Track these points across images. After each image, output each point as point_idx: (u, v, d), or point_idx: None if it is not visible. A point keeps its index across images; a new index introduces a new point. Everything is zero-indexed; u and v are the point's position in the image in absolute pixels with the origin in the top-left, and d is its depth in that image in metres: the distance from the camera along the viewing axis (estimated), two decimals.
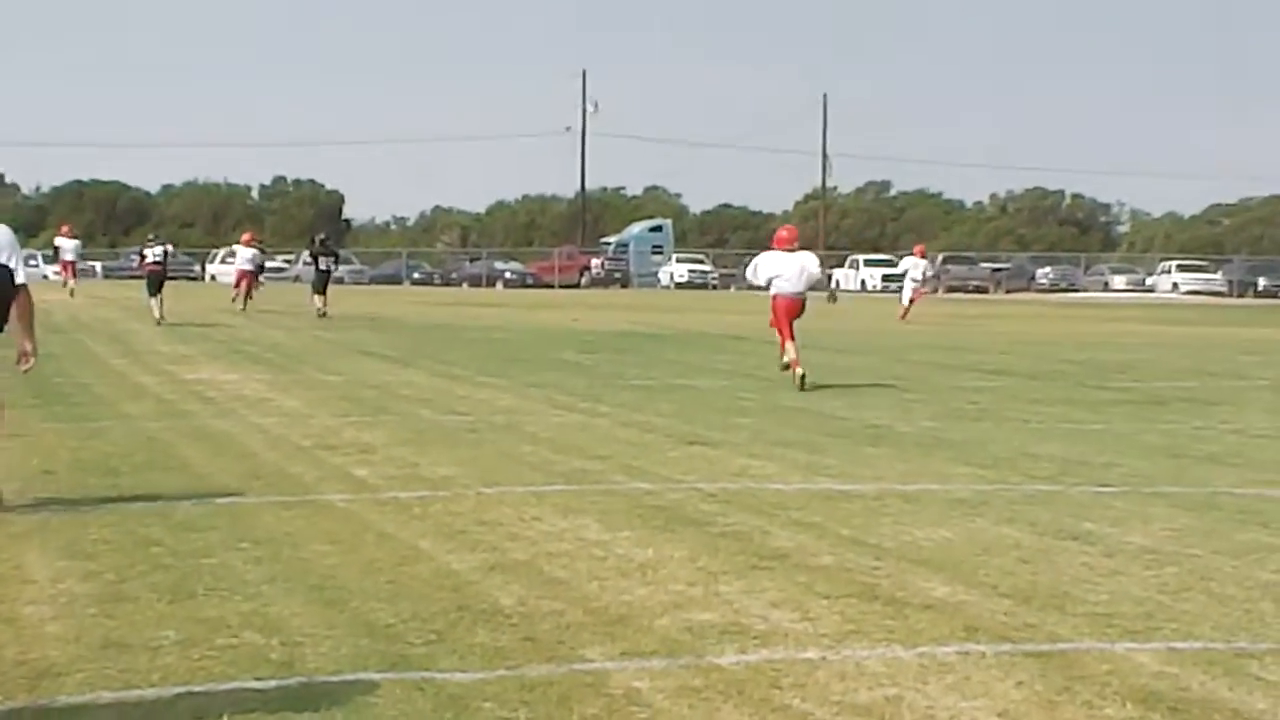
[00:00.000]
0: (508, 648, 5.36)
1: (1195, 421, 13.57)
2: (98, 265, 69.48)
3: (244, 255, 34.59)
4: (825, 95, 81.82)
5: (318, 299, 30.52)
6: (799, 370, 16.05)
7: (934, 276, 53.23)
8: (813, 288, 18.03)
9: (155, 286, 27.02)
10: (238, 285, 33.54)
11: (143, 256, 28.98)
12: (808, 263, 17.06)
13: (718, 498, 8.73)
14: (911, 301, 35.18)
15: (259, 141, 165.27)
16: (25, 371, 7.87)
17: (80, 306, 32.46)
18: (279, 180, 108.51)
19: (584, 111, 79.62)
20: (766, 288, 16.95)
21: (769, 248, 17.31)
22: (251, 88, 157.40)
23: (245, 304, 32.05)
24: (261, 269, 35.34)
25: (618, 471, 9.71)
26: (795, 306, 16.72)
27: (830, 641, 5.54)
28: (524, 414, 13.06)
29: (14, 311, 7.52)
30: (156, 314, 26.22)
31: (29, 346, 7.70)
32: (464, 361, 19.00)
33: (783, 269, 16.74)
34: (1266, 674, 5.25)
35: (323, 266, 31.80)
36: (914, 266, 36.23)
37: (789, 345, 16.41)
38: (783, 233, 17.41)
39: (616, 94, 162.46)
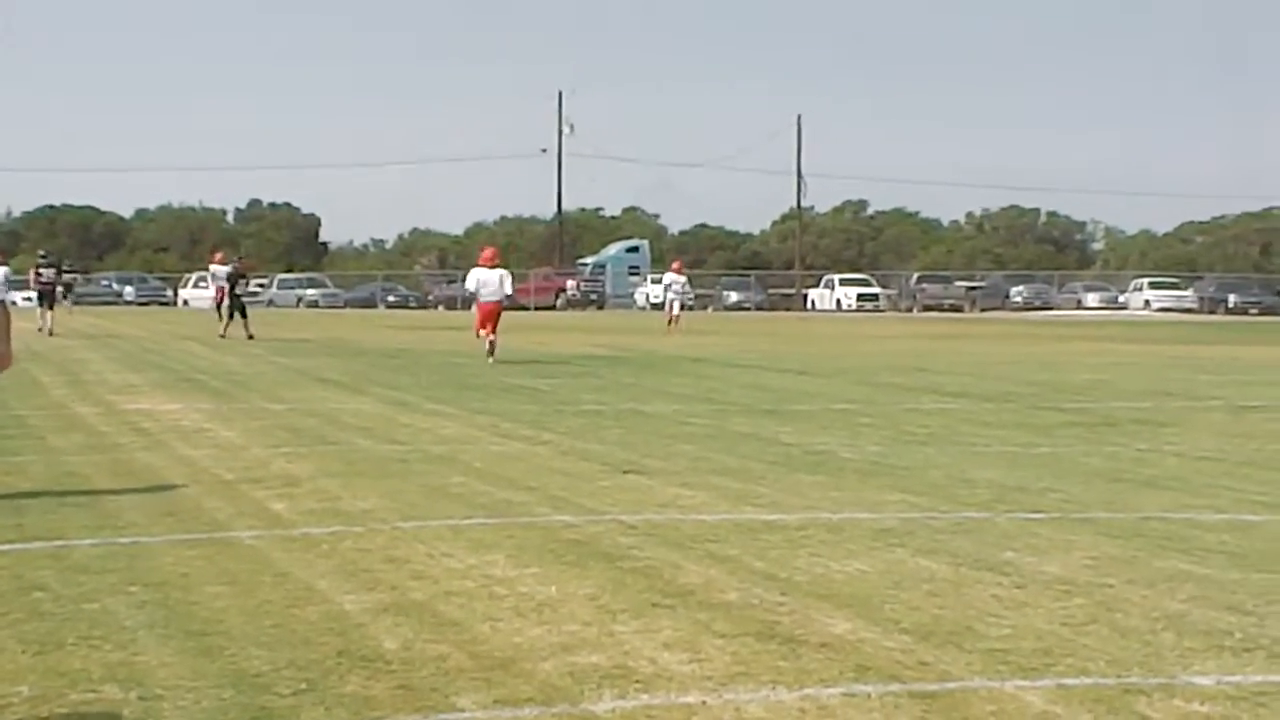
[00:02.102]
0: (378, 697, 5.21)
1: (1141, 444, 13.48)
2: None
3: (220, 273, 36.49)
4: (800, 116, 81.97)
5: (231, 323, 31.61)
6: (492, 340, 23.22)
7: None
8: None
9: (47, 301, 33.08)
10: (220, 304, 34.19)
11: (38, 274, 34.62)
12: (504, 278, 23.71)
13: (638, 530, 8.58)
14: (678, 315, 39.95)
15: (235, 165, 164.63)
16: None
17: (36, 335, 31.91)
18: (255, 204, 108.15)
19: (560, 132, 79.70)
20: (474, 296, 24.00)
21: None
22: (228, 110, 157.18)
23: (226, 325, 32.41)
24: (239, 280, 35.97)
25: (543, 503, 9.57)
26: (494, 310, 23.57)
27: (714, 685, 5.40)
28: (464, 443, 12.92)
29: None
30: (46, 327, 30.94)
31: (3, 349, 9.23)
32: (416, 388, 18.85)
33: (486, 281, 23.53)
34: (1152, 711, 5.13)
35: (238, 291, 32.68)
36: (674, 281, 40.98)
37: (485, 334, 23.46)
38: (486, 253, 24.52)
39: (594, 115, 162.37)
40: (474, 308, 24.37)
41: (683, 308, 40.93)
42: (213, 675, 5.44)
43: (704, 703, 5.18)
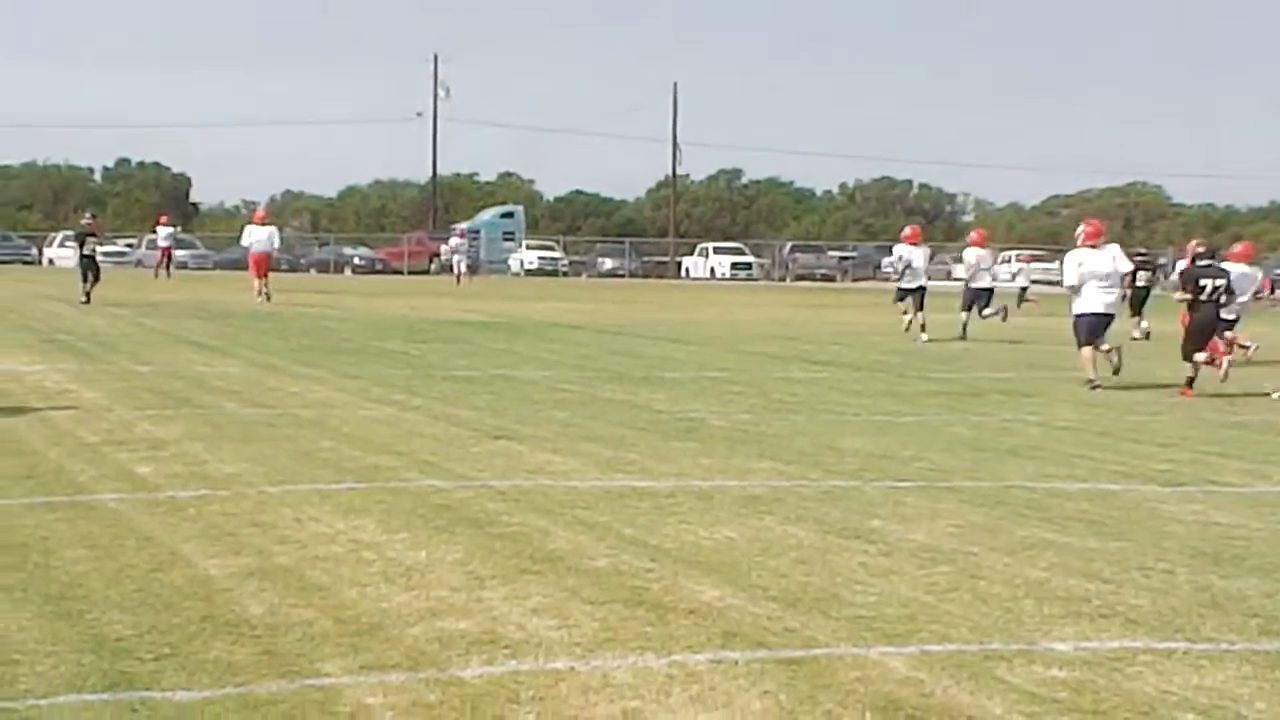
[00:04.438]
0: (243, 662, 5.14)
1: (1005, 414, 13.76)
2: None
3: (164, 234, 46.47)
4: (676, 83, 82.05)
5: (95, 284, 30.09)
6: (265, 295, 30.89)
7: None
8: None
9: None
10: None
11: None
12: (274, 234, 33.76)
13: (507, 496, 8.56)
14: (463, 274, 49.67)
15: (101, 123, 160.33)
16: None
17: None
18: (123, 162, 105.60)
19: (435, 96, 78.92)
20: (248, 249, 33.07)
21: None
22: (94, 68, 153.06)
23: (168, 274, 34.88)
24: (176, 246, 37.97)
25: (412, 468, 9.50)
26: (265, 260, 32.91)
27: (582, 651, 5.42)
28: (334, 407, 12.77)
29: None
30: None
31: None
32: (286, 351, 18.59)
33: (258, 236, 33.01)
34: (1011, 676, 5.25)
35: (86, 251, 30.72)
36: (458, 248, 52.23)
37: (259, 283, 31.87)
38: (261, 212, 36.36)
39: (470, 80, 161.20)
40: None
41: (469, 269, 51.50)
42: (72, 640, 5.33)
43: (572, 669, 5.19)
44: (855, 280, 68.54)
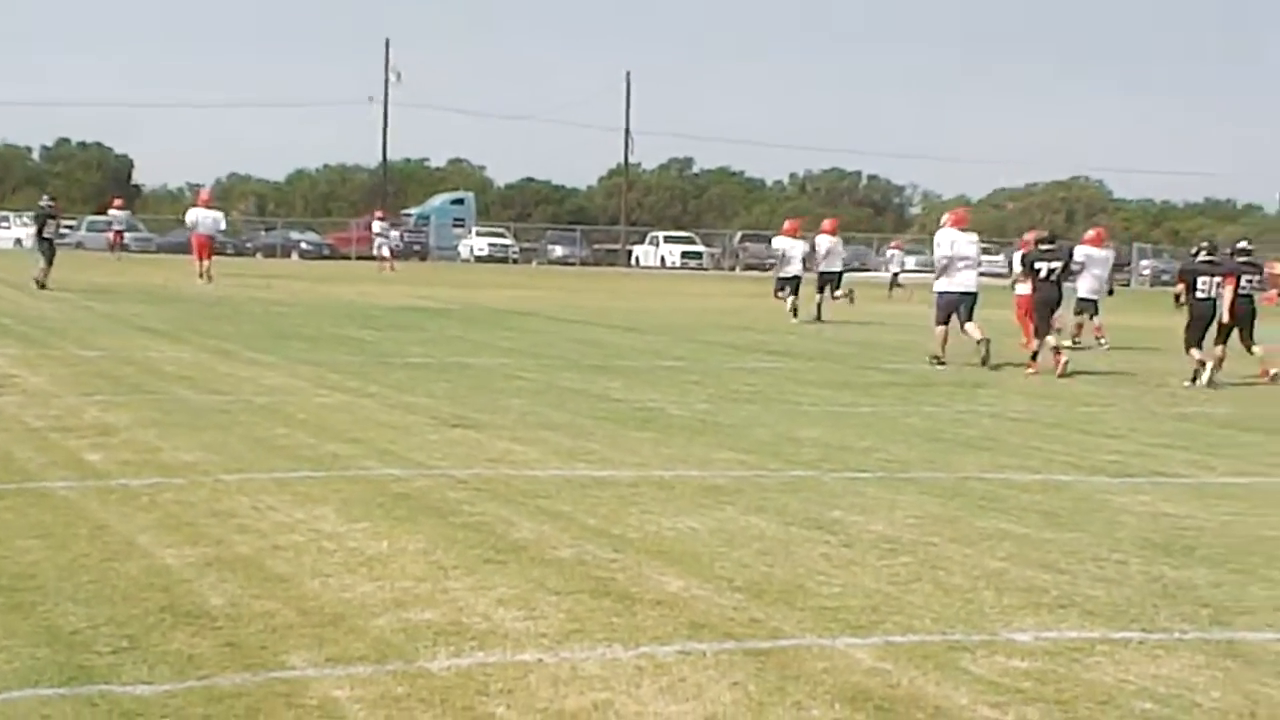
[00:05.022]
0: (205, 655, 5.07)
1: (958, 405, 13.83)
2: None
3: (117, 216, 47.68)
4: (629, 72, 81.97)
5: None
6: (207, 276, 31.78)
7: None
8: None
9: None
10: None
11: None
12: (219, 217, 34.82)
13: (468, 485, 8.51)
14: (387, 260, 48.03)
15: (41, 101, 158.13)
16: None
17: None
18: (63, 142, 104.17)
19: (387, 81, 78.36)
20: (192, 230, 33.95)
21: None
22: (34, 45, 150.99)
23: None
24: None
25: (370, 456, 9.43)
26: (209, 243, 33.59)
27: (550, 642, 5.38)
28: (288, 394, 12.66)
29: None
30: None
31: None
32: (237, 337, 18.40)
33: (203, 219, 33.53)
34: (975, 667, 5.26)
35: (47, 234, 30.20)
36: (383, 232, 49.94)
37: (201, 264, 32.70)
38: (205, 195, 36.70)
39: (421, 65, 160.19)
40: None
41: (392, 254, 49.17)
42: (25, 633, 5.24)
43: (540, 660, 5.16)
44: (807, 270, 68.59)
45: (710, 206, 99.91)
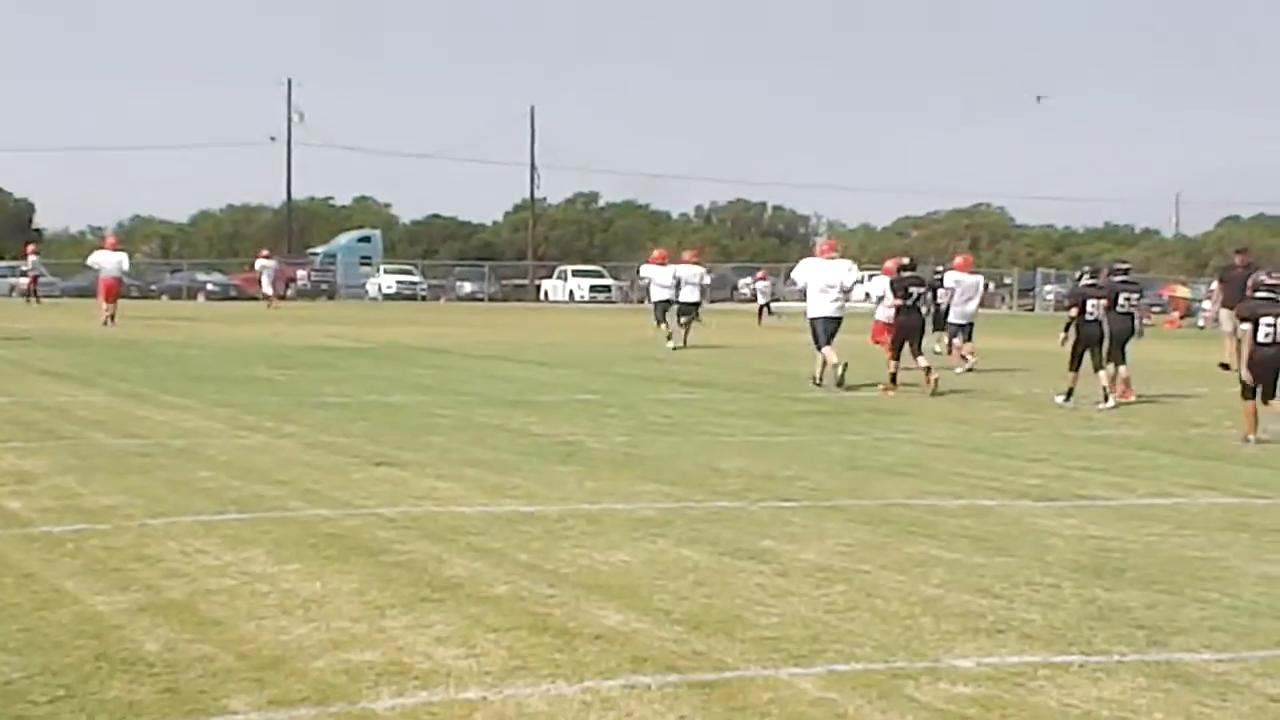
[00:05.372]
0: (144, 701, 4.99)
1: (877, 432, 13.96)
2: None
3: (32, 261, 47.83)
4: (533, 107, 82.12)
5: None
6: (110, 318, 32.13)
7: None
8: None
9: None
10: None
11: None
12: (123, 260, 34.82)
13: (397, 523, 8.46)
14: (272, 295, 51.58)
15: None
16: None
17: None
18: None
19: (289, 121, 77.91)
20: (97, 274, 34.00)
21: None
22: None
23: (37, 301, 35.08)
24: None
25: (296, 497, 9.33)
26: (116, 286, 33.44)
27: (493, 680, 5.36)
28: (206, 436, 12.49)
29: None
30: None
31: None
32: (149, 380, 18.13)
33: (107, 261, 33.55)
34: (920, 694, 5.31)
35: None
36: (266, 266, 52.47)
37: (106, 307, 32.52)
38: (112, 238, 37.48)
39: (324, 104, 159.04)
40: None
41: (283, 294, 54.17)
42: None
43: (485, 698, 5.13)
44: (712, 301, 68.91)
45: (617, 239, 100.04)
